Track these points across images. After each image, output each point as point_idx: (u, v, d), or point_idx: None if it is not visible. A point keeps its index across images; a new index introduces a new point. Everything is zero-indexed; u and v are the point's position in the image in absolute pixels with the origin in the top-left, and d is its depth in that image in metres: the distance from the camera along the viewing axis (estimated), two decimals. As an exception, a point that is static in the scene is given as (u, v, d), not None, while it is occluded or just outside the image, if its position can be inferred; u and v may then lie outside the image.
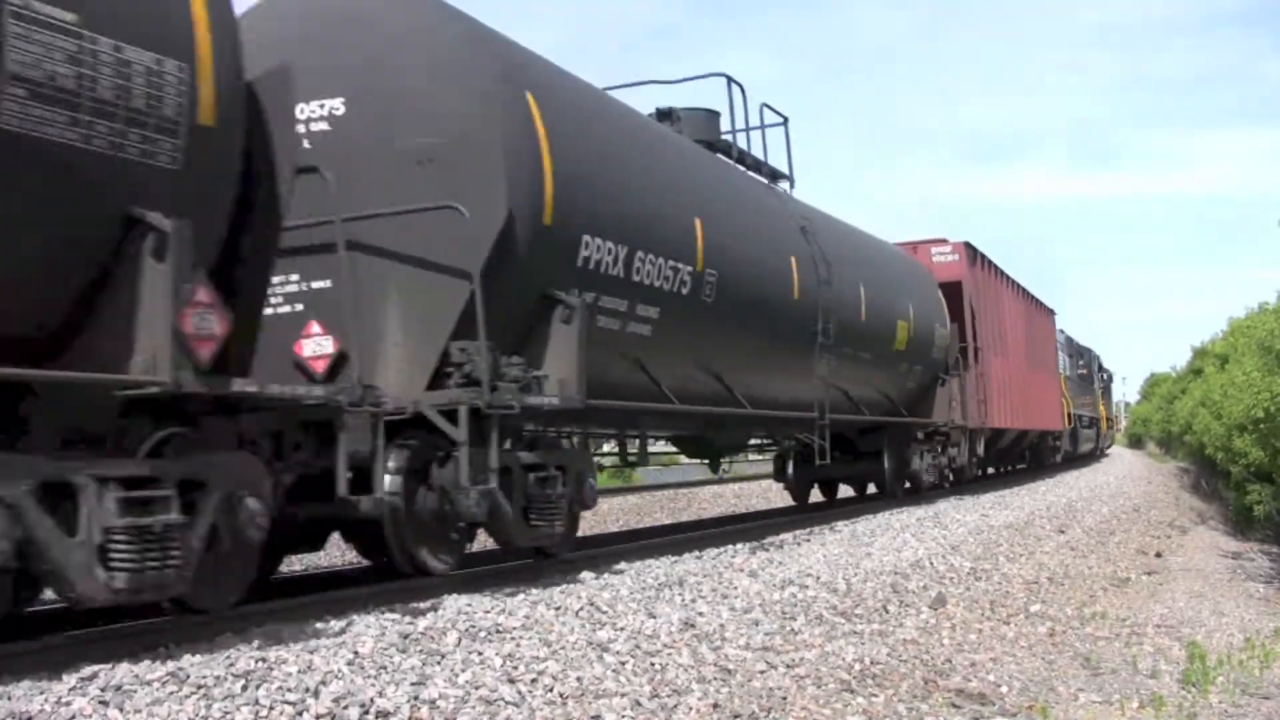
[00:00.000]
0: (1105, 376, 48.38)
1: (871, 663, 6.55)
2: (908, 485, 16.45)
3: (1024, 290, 25.09)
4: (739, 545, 10.08)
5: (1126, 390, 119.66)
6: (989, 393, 19.18)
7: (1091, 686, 7.29)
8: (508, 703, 4.64)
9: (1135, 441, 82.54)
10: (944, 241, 19.14)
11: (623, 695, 5.02)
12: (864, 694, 6.03)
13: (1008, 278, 23.08)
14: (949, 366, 17.05)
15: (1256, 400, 16.64)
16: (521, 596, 6.67)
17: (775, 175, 12.95)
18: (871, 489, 17.72)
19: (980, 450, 18.84)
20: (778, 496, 23.17)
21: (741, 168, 12.19)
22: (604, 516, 18.00)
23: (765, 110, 12.77)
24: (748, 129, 12.33)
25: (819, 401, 12.47)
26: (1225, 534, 22.99)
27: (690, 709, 5.10)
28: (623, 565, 8.41)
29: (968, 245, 19.24)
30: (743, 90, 12.10)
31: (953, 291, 18.01)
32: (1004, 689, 6.82)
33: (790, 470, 16.59)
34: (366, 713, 4.25)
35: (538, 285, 7.70)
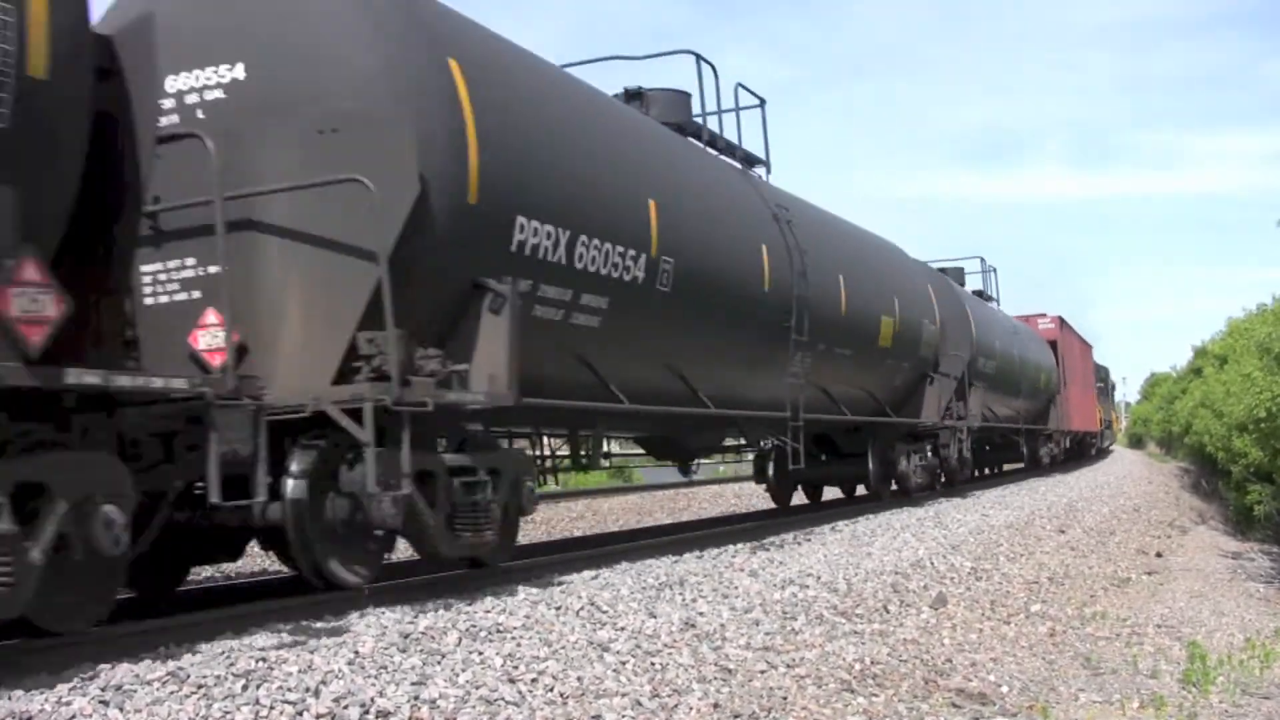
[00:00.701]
0: (1111, 385, 57.98)
1: (872, 662, 6.55)
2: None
3: (1081, 337, 37.05)
4: (739, 545, 10.08)
5: (1127, 390, 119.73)
6: (1069, 408, 30.60)
7: (1092, 686, 7.29)
8: (508, 702, 4.64)
9: (1135, 441, 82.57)
10: (1045, 315, 31.32)
11: (623, 695, 5.02)
12: (864, 694, 6.03)
13: (1075, 332, 35.04)
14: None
15: (1258, 400, 16.64)
16: (522, 596, 6.66)
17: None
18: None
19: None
20: (822, 491, 23.06)
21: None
22: (604, 516, 18.00)
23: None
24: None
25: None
26: (1225, 534, 22.99)
27: (691, 709, 5.10)
28: (623, 565, 8.40)
29: (1060, 318, 31.92)
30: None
31: (1052, 347, 28.89)
32: (1004, 689, 6.82)
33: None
34: (367, 712, 4.25)
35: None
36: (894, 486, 15.82)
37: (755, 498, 22.99)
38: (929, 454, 16.47)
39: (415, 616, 5.85)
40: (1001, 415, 22.26)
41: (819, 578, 8.28)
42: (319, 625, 5.63)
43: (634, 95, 10.89)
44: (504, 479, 7.34)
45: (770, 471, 15.81)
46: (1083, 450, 38.08)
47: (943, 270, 20.61)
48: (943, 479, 17.48)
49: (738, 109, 11.92)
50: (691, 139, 11.11)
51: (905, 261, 16.60)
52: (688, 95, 11.18)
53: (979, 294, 24.18)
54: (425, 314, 6.73)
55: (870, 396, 14.48)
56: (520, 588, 7.08)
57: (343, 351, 6.36)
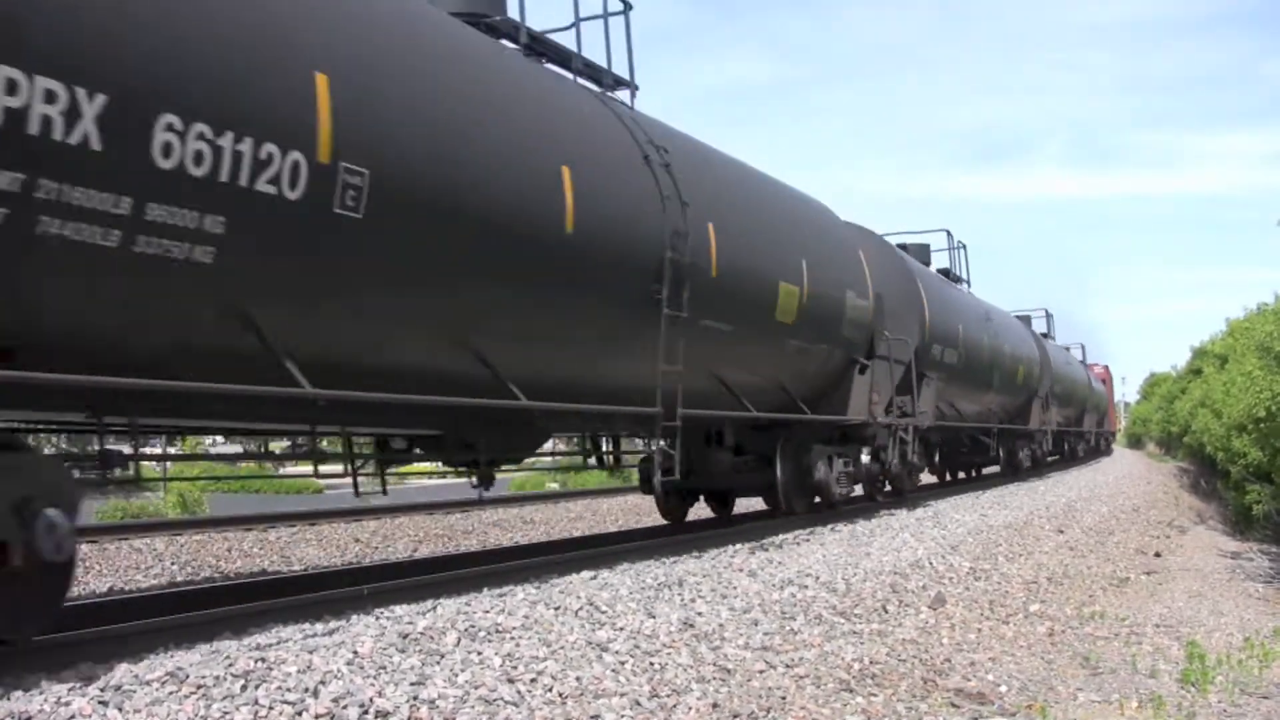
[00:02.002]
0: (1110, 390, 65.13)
1: (871, 662, 6.56)
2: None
3: (1108, 368, 52.38)
4: (738, 545, 10.08)
5: (1126, 390, 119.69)
6: (1110, 417, 49.53)
7: (1090, 686, 7.29)
8: (507, 702, 4.64)
9: (1135, 441, 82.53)
10: (1098, 364, 46.97)
11: (622, 695, 5.03)
12: (863, 693, 6.04)
13: (1108, 368, 51.68)
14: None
15: (1258, 399, 16.63)
16: (521, 596, 6.67)
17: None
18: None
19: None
20: (734, 504, 22.93)
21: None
22: (603, 516, 18.01)
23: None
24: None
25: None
26: (1224, 534, 22.98)
27: (689, 709, 5.11)
28: (622, 565, 8.41)
29: (1106, 366, 48.37)
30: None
31: (1105, 384, 47.60)
32: (1003, 688, 6.82)
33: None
34: (366, 712, 4.26)
35: None
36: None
37: (755, 499, 22.97)
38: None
39: (414, 617, 5.86)
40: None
41: (818, 578, 8.29)
42: (318, 625, 5.64)
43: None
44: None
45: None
46: (1101, 444, 48.66)
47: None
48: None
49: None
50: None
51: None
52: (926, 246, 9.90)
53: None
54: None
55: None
56: (519, 588, 7.09)
57: (890, 398, 8.65)
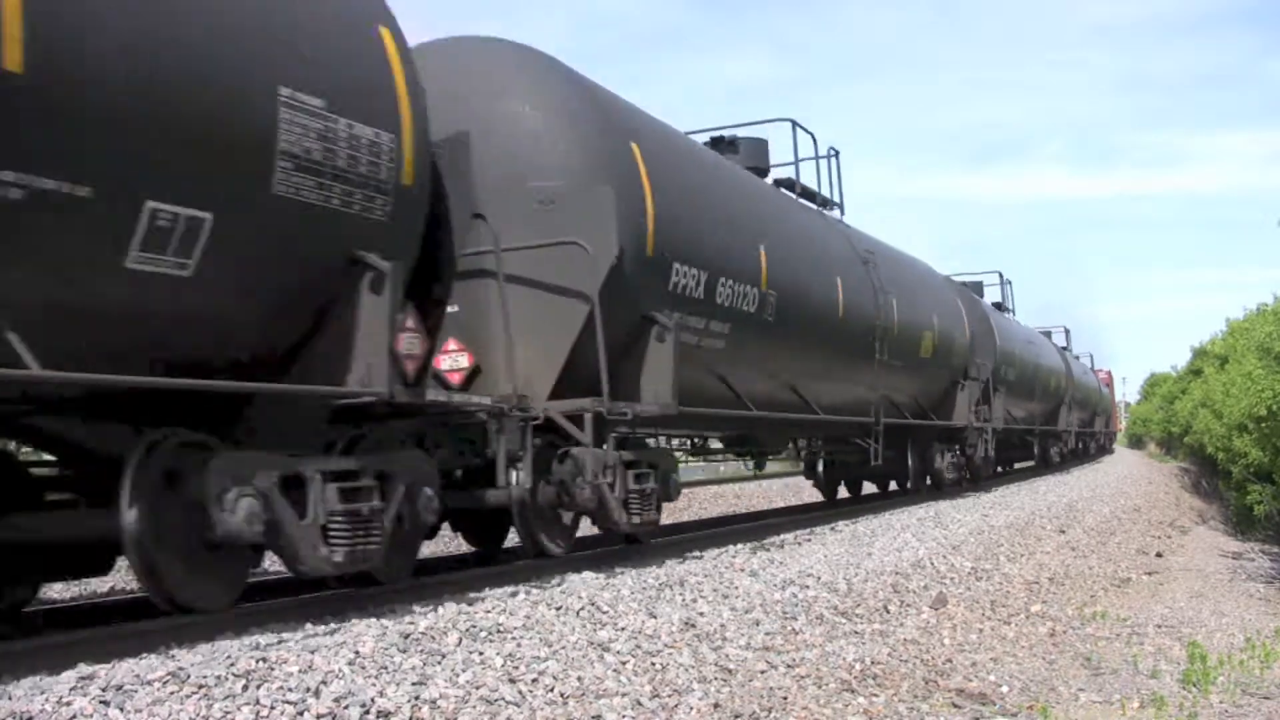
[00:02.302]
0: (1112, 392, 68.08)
1: (872, 662, 6.55)
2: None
3: (1110, 373, 55.91)
4: (739, 545, 10.08)
5: (1126, 390, 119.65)
6: (1113, 418, 53.96)
7: (1092, 686, 7.29)
8: (508, 702, 4.64)
9: (1135, 442, 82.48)
10: (1102, 369, 49.43)
11: (623, 695, 5.02)
12: (864, 694, 6.04)
13: (1110, 373, 55.43)
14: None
15: (1259, 399, 16.62)
16: (522, 596, 6.67)
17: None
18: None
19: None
20: (778, 496, 23.16)
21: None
22: (604, 516, 17.99)
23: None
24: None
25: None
26: (1226, 534, 22.97)
27: (691, 709, 5.10)
28: (624, 564, 8.40)
29: (1109, 371, 52.75)
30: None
31: (1109, 386, 49.44)
32: (1004, 689, 6.82)
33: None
34: (367, 712, 4.25)
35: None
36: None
37: (755, 498, 23.00)
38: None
39: (415, 617, 5.85)
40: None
41: (819, 578, 8.28)
42: (319, 625, 5.63)
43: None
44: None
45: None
46: (1110, 441, 53.84)
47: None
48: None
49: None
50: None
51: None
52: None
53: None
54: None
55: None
56: (520, 588, 7.08)
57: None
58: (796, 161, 13.49)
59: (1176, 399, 49.10)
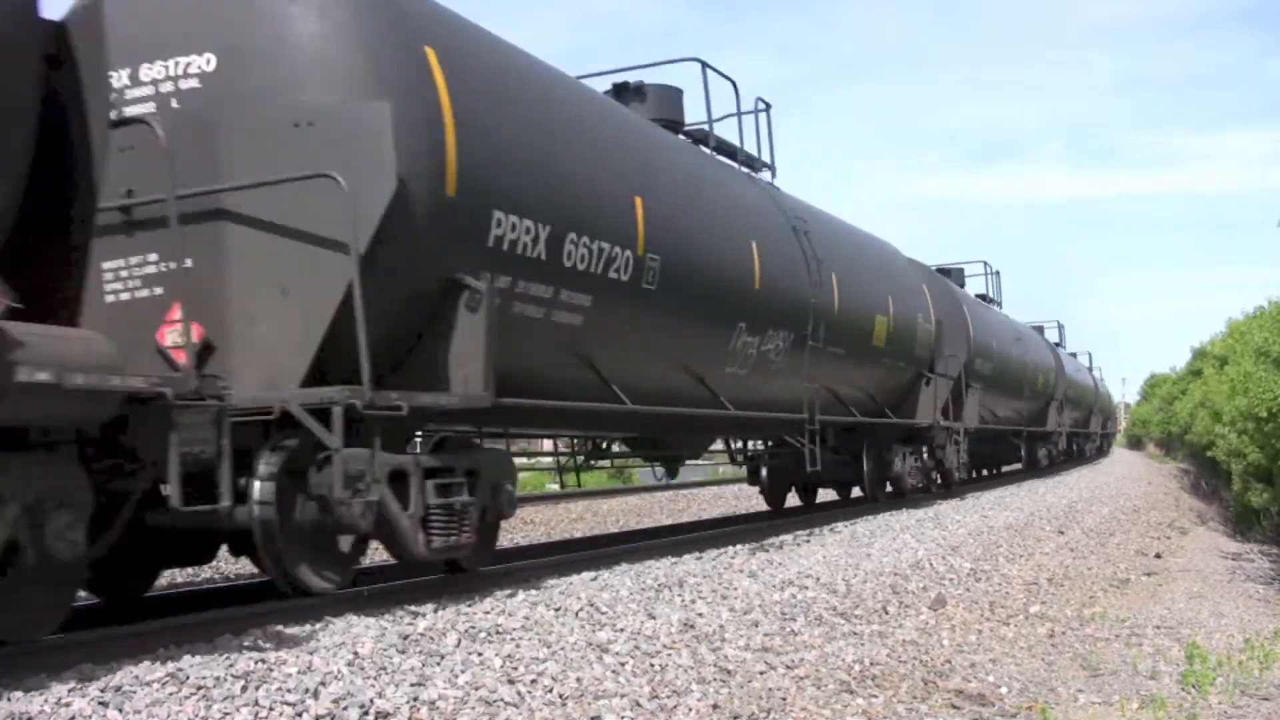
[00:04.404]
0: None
1: (871, 663, 6.55)
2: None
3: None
4: (739, 546, 10.08)
5: (1126, 391, 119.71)
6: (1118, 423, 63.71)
7: (1091, 687, 7.29)
8: (507, 703, 4.64)
9: (1135, 443, 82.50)
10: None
11: (622, 696, 5.02)
12: (863, 695, 6.04)
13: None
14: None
15: (1259, 400, 16.63)
16: (521, 597, 6.67)
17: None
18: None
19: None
20: (817, 493, 23.00)
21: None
22: (603, 518, 18.01)
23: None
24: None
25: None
26: (1225, 535, 22.98)
27: (690, 709, 5.11)
28: (622, 566, 8.40)
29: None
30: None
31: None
32: (1003, 690, 6.82)
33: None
34: (366, 713, 4.26)
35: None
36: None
37: (754, 499, 22.97)
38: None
39: (415, 618, 5.86)
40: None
41: (818, 579, 8.28)
42: (318, 626, 5.63)
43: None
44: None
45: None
46: (1108, 443, 53.16)
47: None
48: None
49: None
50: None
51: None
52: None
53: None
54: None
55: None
56: (519, 589, 7.08)
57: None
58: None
59: (1176, 400, 49.14)
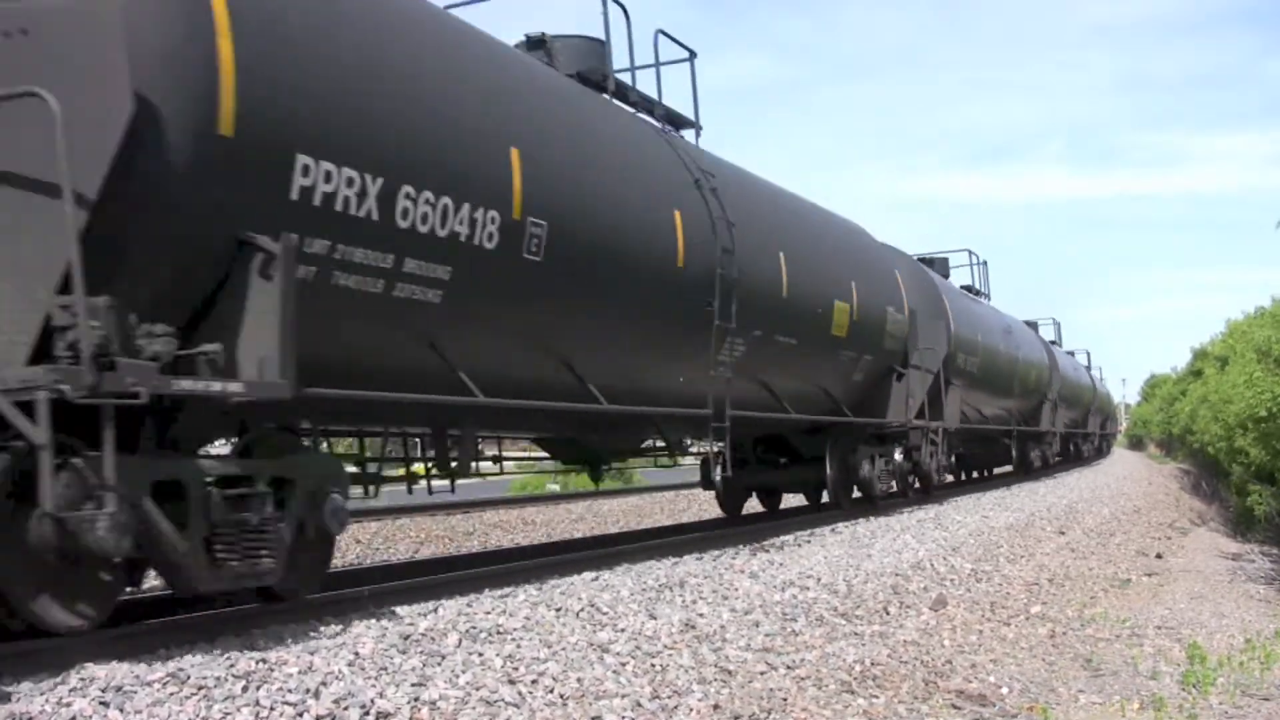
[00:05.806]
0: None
1: (872, 664, 6.55)
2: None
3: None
4: (739, 547, 10.08)
5: (1126, 391, 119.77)
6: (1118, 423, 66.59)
7: (1092, 688, 7.29)
8: (508, 704, 4.64)
9: (1135, 443, 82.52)
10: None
11: (623, 696, 5.02)
12: (864, 695, 6.04)
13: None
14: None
15: (1259, 399, 16.63)
16: (522, 597, 6.67)
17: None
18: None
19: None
20: (781, 498, 23.10)
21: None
22: (604, 518, 18.01)
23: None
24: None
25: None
26: (1225, 535, 22.97)
27: (691, 710, 5.10)
28: (623, 566, 8.40)
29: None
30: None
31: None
32: (1004, 690, 6.82)
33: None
34: (367, 714, 4.26)
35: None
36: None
37: (754, 500, 22.95)
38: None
39: (415, 618, 5.86)
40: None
41: (819, 579, 8.28)
42: (319, 626, 5.63)
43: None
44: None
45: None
46: (1108, 444, 51.91)
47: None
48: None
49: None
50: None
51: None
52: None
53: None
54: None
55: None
56: (520, 589, 7.09)
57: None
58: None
59: (1176, 400, 49.15)
